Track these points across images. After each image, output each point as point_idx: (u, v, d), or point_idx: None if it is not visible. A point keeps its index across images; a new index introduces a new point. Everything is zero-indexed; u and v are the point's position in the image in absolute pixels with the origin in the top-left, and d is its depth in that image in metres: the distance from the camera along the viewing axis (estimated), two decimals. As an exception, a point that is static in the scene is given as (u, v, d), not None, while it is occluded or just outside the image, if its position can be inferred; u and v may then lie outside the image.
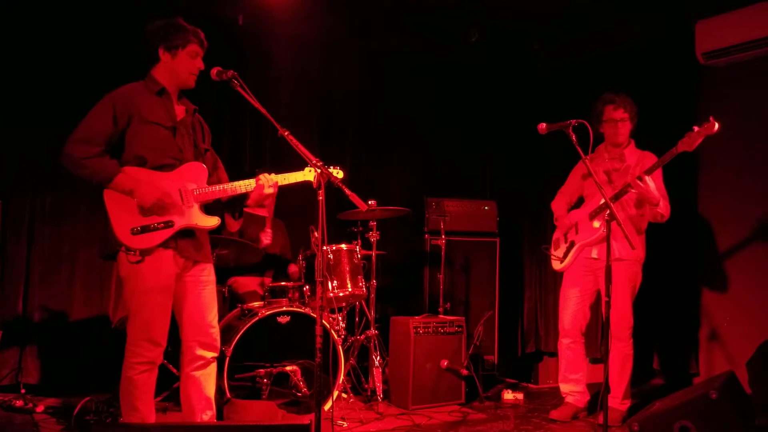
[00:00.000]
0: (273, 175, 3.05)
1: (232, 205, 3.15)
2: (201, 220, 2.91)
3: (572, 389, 4.10)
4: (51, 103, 4.28)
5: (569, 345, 4.10)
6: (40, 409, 3.78)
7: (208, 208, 3.01)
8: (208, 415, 2.99)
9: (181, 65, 2.93)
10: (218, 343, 3.04)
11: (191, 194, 2.89)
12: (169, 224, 2.82)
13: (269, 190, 3.01)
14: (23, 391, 4.11)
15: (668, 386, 4.63)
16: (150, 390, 2.85)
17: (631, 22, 4.95)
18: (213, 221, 2.95)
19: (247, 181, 3.01)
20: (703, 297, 4.68)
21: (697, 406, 2.97)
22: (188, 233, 2.91)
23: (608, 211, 3.21)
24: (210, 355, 2.99)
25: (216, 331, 3.02)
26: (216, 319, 3.03)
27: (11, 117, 4.27)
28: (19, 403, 3.80)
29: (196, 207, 2.90)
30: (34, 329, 4.28)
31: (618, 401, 3.91)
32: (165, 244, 2.82)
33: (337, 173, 3.21)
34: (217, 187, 2.95)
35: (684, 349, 4.73)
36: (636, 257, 3.90)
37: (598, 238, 3.91)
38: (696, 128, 3.44)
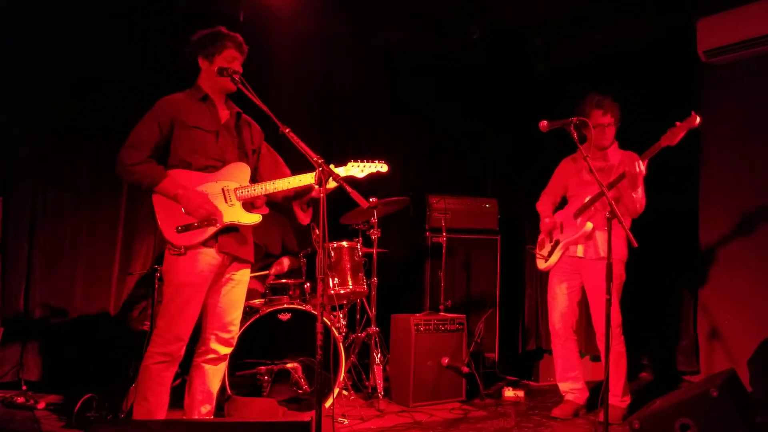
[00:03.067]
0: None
1: (300, 199, 3.19)
2: (243, 218, 3.01)
3: (571, 387, 4.10)
4: (51, 100, 4.29)
5: (563, 344, 4.11)
6: (41, 405, 3.80)
7: (278, 203, 3.16)
8: (206, 409, 3.06)
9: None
10: (234, 341, 3.12)
11: (234, 193, 2.99)
12: (212, 222, 2.91)
13: (332, 183, 3.03)
14: (24, 387, 4.13)
15: (661, 383, 4.64)
16: (164, 383, 2.90)
17: (632, 20, 4.94)
18: (255, 218, 3.04)
19: (299, 177, 3.06)
20: (703, 294, 4.67)
21: (698, 403, 2.98)
22: (232, 229, 3.01)
23: (609, 209, 3.22)
24: (225, 351, 3.08)
25: (235, 329, 3.11)
26: (239, 318, 3.12)
27: (12, 113, 4.26)
28: (20, 399, 3.82)
29: (238, 205, 3.00)
30: (35, 326, 4.28)
31: (618, 399, 3.92)
32: (206, 243, 2.91)
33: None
34: (259, 187, 3.03)
35: (684, 345, 4.73)
36: (620, 257, 3.90)
37: (582, 236, 3.93)
38: (678, 123, 3.48)
